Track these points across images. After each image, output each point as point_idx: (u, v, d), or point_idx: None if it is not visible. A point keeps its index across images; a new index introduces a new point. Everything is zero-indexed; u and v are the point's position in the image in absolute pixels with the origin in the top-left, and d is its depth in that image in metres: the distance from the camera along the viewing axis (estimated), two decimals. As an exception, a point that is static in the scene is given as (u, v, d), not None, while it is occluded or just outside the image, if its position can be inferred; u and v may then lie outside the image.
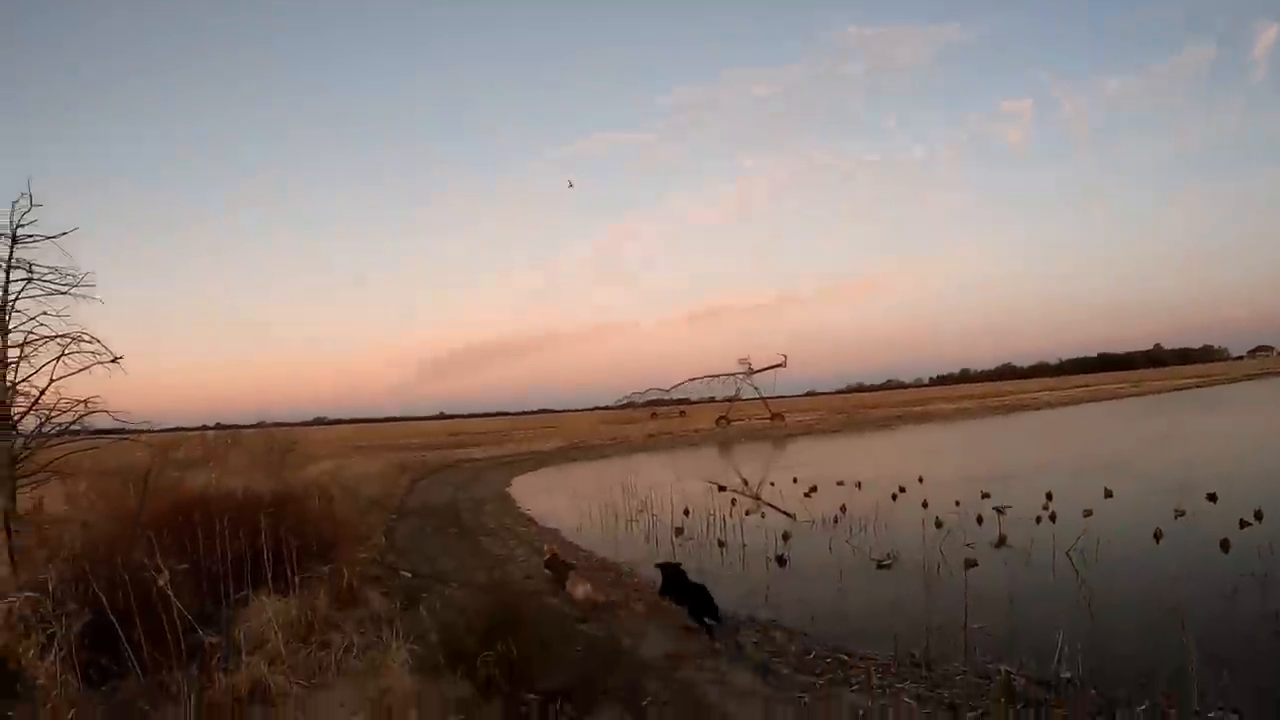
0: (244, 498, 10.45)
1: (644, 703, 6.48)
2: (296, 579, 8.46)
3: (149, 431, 11.38)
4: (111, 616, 5.80)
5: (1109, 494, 16.35)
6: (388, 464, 32.15)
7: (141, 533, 7.71)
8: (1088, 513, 14.04)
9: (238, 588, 7.99)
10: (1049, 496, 15.85)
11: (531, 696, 6.28)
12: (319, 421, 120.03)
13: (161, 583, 6.61)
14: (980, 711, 6.14)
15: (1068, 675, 6.75)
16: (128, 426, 8.96)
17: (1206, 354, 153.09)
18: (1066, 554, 11.86)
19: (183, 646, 6.31)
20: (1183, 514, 13.66)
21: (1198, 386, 73.82)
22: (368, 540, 14.06)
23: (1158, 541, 12.31)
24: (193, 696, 5.29)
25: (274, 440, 20.74)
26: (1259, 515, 12.72)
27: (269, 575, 8.20)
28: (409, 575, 11.59)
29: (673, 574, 9.44)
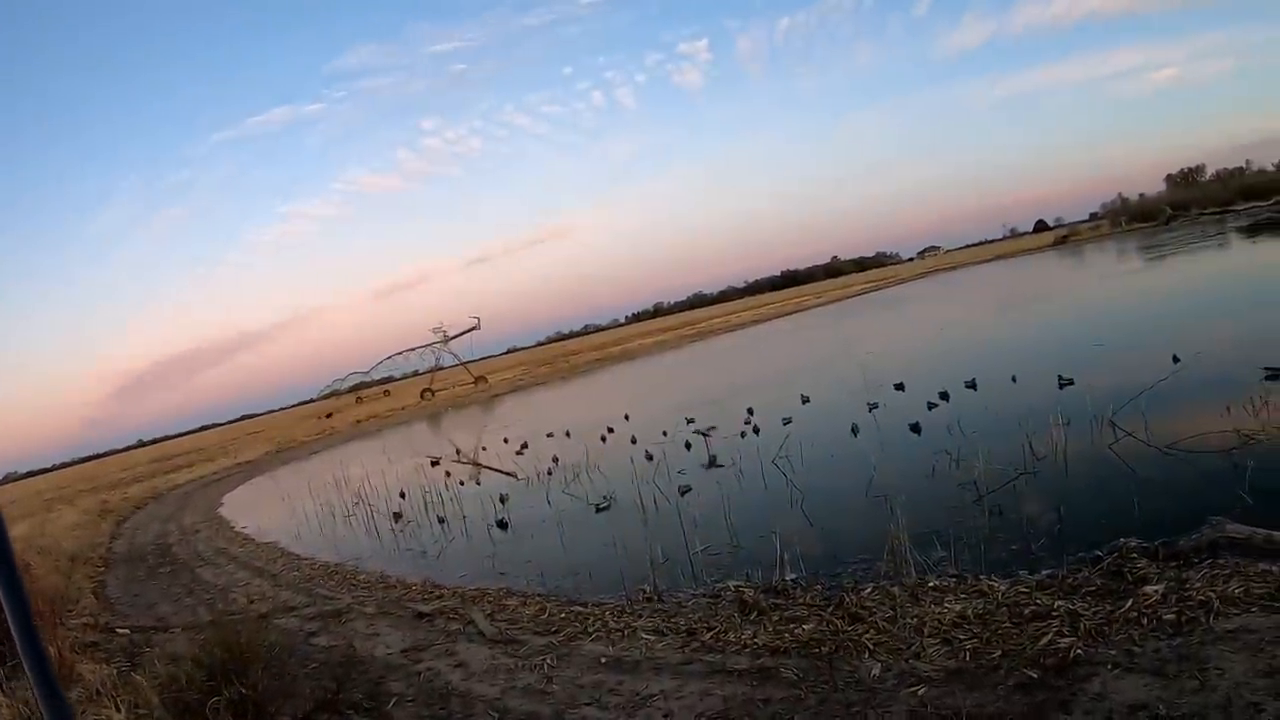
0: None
1: (389, 706, 6.48)
2: (2, 674, 8.40)
3: None
4: None
5: (805, 400, 17.35)
6: (88, 510, 29.86)
7: None
8: (787, 420, 15.09)
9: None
10: (750, 412, 16.84)
11: (274, 730, 6.07)
12: (8, 479, 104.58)
13: None
14: (716, 630, 6.47)
15: (792, 577, 7.37)
16: None
17: (880, 260, 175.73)
18: (774, 463, 12.59)
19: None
20: (875, 406, 14.80)
21: (875, 289, 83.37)
22: (77, 604, 13.56)
23: (856, 435, 13.19)
24: None
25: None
26: (944, 395, 14.11)
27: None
28: (126, 632, 11.41)
29: None
